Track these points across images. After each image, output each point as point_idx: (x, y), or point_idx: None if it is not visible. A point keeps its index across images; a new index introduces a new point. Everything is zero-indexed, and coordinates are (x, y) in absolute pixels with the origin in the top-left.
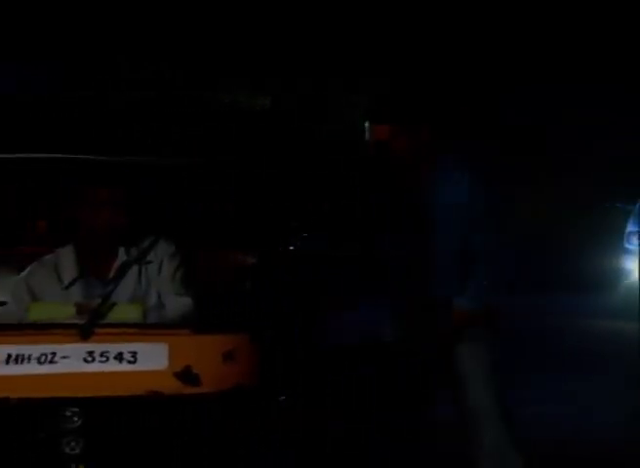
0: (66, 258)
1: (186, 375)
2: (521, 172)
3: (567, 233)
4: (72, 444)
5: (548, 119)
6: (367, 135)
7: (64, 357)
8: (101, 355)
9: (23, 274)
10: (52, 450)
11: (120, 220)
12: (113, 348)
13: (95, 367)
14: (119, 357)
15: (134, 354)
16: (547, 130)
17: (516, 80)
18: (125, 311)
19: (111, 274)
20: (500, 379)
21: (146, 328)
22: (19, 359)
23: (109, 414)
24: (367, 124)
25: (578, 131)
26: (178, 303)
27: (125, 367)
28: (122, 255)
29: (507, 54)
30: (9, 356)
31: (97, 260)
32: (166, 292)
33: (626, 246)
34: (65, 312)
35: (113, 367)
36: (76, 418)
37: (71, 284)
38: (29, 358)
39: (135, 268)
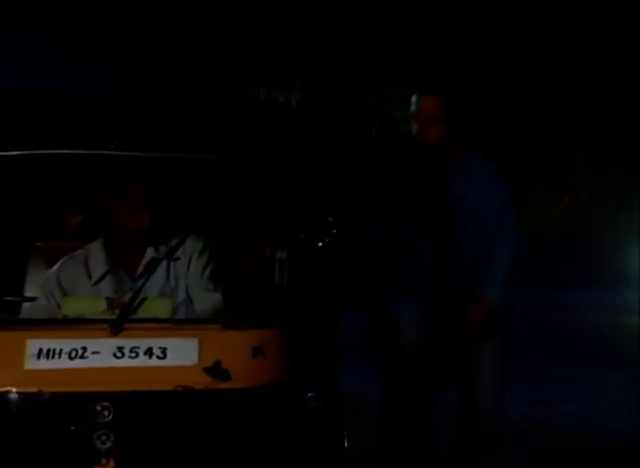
0: (96, 254)
1: (216, 371)
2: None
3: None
4: (103, 438)
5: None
6: (413, 108)
7: (95, 352)
8: (131, 350)
9: (54, 269)
10: (83, 444)
11: (149, 218)
12: (143, 343)
13: (125, 362)
14: (149, 352)
15: (163, 349)
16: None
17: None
18: (155, 306)
19: (140, 270)
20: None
21: (176, 323)
22: (50, 353)
23: (139, 409)
24: (414, 98)
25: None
26: (207, 299)
27: (155, 362)
28: (151, 251)
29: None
30: (40, 350)
31: (125, 256)
32: (195, 288)
33: None
34: (97, 307)
35: (143, 362)
36: (107, 413)
37: (100, 279)
38: (60, 353)
39: (163, 264)
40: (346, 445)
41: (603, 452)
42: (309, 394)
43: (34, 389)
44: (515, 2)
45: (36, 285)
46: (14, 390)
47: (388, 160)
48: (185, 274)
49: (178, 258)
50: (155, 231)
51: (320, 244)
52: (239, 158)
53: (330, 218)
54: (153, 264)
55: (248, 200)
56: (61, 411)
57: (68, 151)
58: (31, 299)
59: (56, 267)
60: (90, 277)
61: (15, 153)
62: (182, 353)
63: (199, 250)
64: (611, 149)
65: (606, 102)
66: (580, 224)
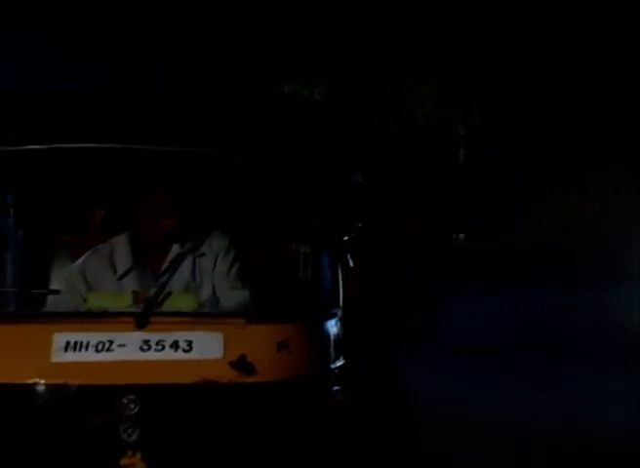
0: (121, 248)
1: (241, 364)
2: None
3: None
4: (129, 430)
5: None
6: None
7: (121, 345)
8: (157, 343)
9: (79, 263)
10: (109, 437)
11: (176, 219)
12: (169, 337)
13: (151, 355)
14: (175, 345)
15: (189, 343)
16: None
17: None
18: (180, 300)
19: (165, 265)
20: None
21: (202, 317)
22: (77, 346)
23: (165, 402)
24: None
25: None
26: (233, 297)
27: (180, 355)
28: (176, 248)
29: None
30: (67, 343)
31: (151, 252)
32: (222, 286)
33: None
34: (122, 301)
35: (169, 355)
36: (133, 406)
37: (125, 274)
38: (87, 346)
39: (189, 261)
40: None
41: (603, 453)
42: (334, 388)
43: (61, 382)
44: (515, 2)
45: (62, 278)
46: (41, 382)
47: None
48: (211, 272)
49: (203, 255)
50: (181, 229)
51: (346, 238)
52: (264, 155)
53: (355, 213)
54: (178, 260)
55: (273, 195)
56: (88, 404)
57: (93, 145)
58: (57, 292)
59: (80, 261)
60: (115, 271)
61: (41, 147)
62: (208, 347)
63: (225, 248)
64: (611, 149)
65: (606, 102)
66: (576, 224)
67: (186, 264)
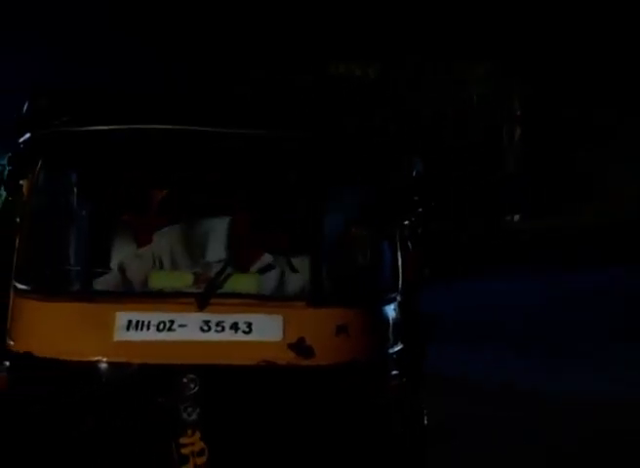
0: (217, 236)
1: (300, 347)
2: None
3: None
4: (189, 409)
5: None
6: None
7: (182, 325)
8: (217, 324)
9: (160, 238)
10: (169, 415)
11: (273, 235)
12: (229, 318)
13: (211, 336)
14: (234, 327)
15: (249, 325)
16: None
17: None
18: (241, 282)
19: (253, 268)
20: None
21: (262, 299)
22: (139, 326)
23: (225, 383)
24: None
25: None
26: None
27: (240, 337)
28: (267, 257)
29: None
30: (129, 322)
31: (243, 250)
32: None
33: None
34: (183, 281)
35: (229, 336)
36: (193, 385)
37: (215, 262)
38: (149, 325)
39: (277, 271)
40: (426, 422)
41: (603, 452)
42: (392, 372)
43: (123, 360)
44: (516, 2)
45: (122, 258)
46: (103, 360)
47: None
48: (298, 290)
49: (296, 272)
50: (278, 241)
51: (406, 223)
52: (328, 137)
53: (415, 197)
54: (267, 269)
55: (336, 180)
56: (149, 383)
57: (170, 127)
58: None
59: (161, 237)
60: (203, 255)
61: (117, 127)
62: (267, 329)
63: None
64: (611, 149)
65: (606, 102)
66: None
67: (274, 274)
